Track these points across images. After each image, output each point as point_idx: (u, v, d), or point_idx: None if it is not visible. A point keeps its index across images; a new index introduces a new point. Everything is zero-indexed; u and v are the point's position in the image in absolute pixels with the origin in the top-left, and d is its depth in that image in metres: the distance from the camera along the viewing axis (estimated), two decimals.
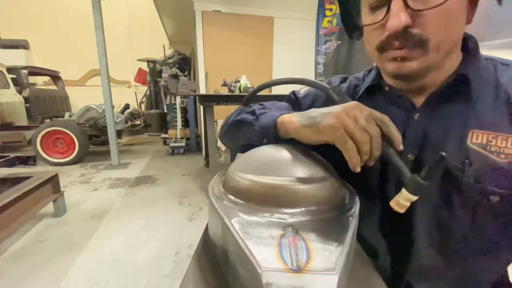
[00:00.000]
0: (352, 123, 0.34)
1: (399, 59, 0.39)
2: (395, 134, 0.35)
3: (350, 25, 0.52)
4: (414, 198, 0.32)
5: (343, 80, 0.61)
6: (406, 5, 0.35)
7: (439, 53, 0.38)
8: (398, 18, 0.35)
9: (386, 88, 0.49)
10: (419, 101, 0.46)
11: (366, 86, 0.52)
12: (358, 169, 0.34)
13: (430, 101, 0.44)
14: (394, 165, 0.34)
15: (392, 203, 0.34)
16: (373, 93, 0.52)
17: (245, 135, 0.53)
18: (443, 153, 0.30)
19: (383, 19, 0.38)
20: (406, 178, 0.33)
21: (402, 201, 0.33)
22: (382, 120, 0.36)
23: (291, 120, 0.42)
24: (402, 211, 0.34)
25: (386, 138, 0.35)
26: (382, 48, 0.40)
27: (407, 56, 0.38)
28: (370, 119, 0.35)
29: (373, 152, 0.34)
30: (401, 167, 0.34)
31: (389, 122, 0.36)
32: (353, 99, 0.51)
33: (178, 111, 4.35)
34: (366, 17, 0.42)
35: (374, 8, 0.40)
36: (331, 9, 3.82)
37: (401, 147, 0.35)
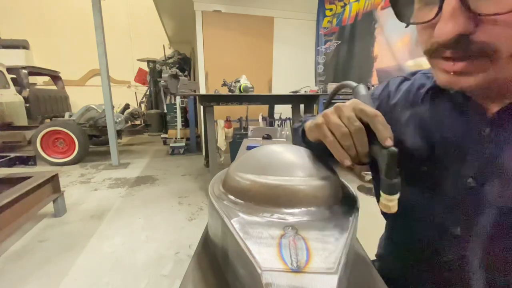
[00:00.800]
0: (333, 119, 0.34)
1: (451, 73, 0.32)
2: (379, 129, 0.32)
3: (399, 14, 0.37)
4: (390, 197, 0.31)
5: (406, 79, 0.52)
6: (465, 6, 0.27)
7: None
8: (452, 23, 0.27)
9: (451, 90, 0.40)
10: (494, 109, 0.36)
11: (427, 88, 0.44)
12: (346, 163, 0.34)
13: (506, 112, 0.34)
14: (377, 162, 0.33)
15: (380, 205, 0.33)
16: (438, 96, 0.43)
17: (296, 140, 0.58)
18: (394, 148, 0.29)
19: (433, 18, 0.30)
20: (381, 178, 0.32)
21: (383, 200, 0.32)
22: (370, 116, 0.33)
23: (309, 124, 0.42)
24: (387, 211, 0.31)
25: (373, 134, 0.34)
26: (430, 54, 0.33)
27: (463, 71, 0.30)
28: (352, 115, 0.33)
29: (357, 148, 0.33)
30: (380, 165, 0.32)
31: (376, 118, 0.32)
32: (414, 102, 0.47)
33: (178, 111, 4.35)
34: (417, 11, 0.33)
35: (426, 1, 0.31)
36: (331, 9, 3.83)
37: (388, 143, 0.31)
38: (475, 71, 0.30)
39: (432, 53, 0.32)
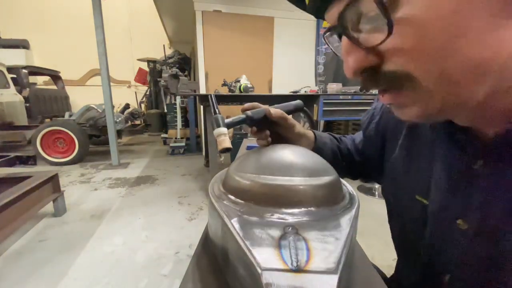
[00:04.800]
0: None
1: (391, 105, 0.29)
2: None
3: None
4: (217, 131, 0.40)
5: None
6: (355, 41, 0.25)
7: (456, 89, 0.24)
8: (352, 59, 0.26)
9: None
10: (488, 135, 0.30)
11: None
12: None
13: (502, 139, 0.28)
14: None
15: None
16: (418, 124, 0.41)
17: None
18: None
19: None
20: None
21: (216, 138, 0.40)
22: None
23: None
24: (221, 147, 0.39)
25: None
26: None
27: (391, 102, 0.28)
28: None
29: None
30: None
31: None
32: (400, 128, 0.45)
33: (178, 111, 4.35)
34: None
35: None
36: None
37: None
38: (408, 102, 0.27)
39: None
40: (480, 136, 0.30)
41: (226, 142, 0.38)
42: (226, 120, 0.42)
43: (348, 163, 0.60)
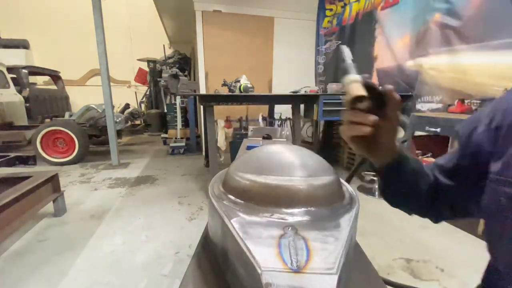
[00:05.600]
0: None
1: None
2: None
3: None
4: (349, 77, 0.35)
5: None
6: None
7: None
8: None
9: None
10: None
11: None
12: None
13: None
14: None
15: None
16: None
17: None
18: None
19: None
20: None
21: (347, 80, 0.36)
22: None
23: None
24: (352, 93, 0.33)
25: None
26: None
27: None
28: None
29: None
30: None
31: None
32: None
33: (178, 111, 4.35)
34: None
35: None
36: (331, 9, 3.83)
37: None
38: None
39: None
40: None
41: (360, 89, 0.32)
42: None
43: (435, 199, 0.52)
